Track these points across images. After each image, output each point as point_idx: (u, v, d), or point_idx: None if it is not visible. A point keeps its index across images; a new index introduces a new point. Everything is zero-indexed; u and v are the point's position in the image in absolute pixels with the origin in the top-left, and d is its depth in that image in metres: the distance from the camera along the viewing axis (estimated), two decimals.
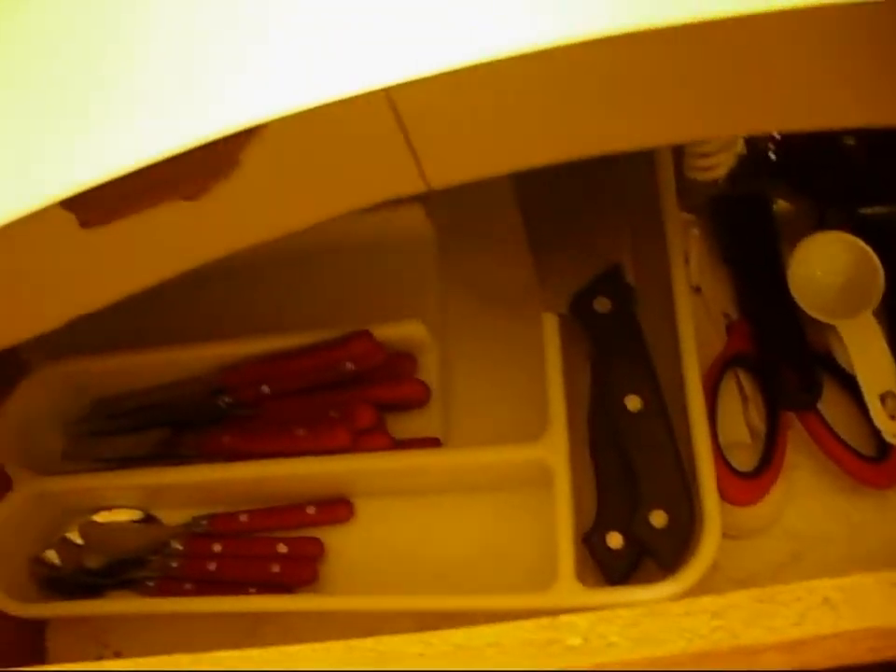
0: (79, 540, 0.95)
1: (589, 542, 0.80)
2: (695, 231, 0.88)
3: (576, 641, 0.60)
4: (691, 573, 0.75)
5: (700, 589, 0.75)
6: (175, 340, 0.92)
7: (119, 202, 0.58)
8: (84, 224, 0.59)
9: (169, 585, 0.91)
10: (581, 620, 0.61)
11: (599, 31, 0.51)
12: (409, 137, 0.58)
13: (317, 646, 0.64)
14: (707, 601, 0.59)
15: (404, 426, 0.89)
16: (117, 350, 0.94)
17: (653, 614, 0.61)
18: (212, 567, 0.89)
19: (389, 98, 0.54)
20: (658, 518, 0.77)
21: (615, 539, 0.80)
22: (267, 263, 0.88)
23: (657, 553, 0.77)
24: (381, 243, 0.89)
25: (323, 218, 0.63)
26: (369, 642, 0.64)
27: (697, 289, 0.88)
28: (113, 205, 0.58)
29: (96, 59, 0.59)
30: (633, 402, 0.79)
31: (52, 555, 0.95)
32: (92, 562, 0.94)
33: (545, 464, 0.80)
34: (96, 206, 0.58)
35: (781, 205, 0.89)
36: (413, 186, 0.62)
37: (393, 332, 0.87)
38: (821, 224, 0.86)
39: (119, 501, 0.94)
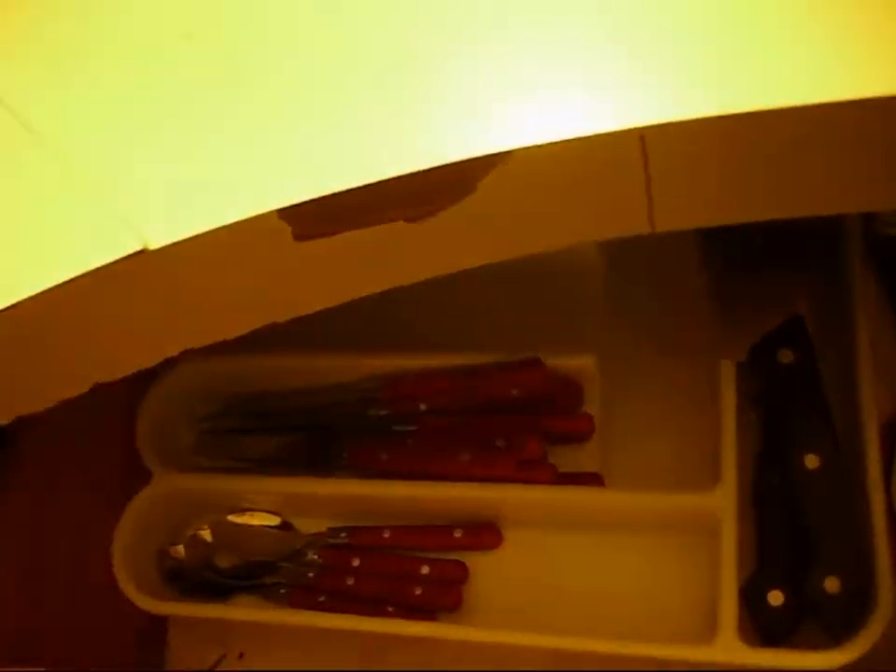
0: (209, 539, 0.93)
1: (747, 597, 0.78)
2: (874, 288, 0.85)
3: None
4: (859, 644, 0.72)
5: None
6: (331, 345, 0.90)
7: (340, 218, 0.57)
8: (298, 237, 0.57)
9: (302, 595, 0.89)
10: None
11: (847, 96, 0.49)
12: (650, 180, 0.56)
13: None
14: None
15: (564, 457, 0.87)
16: (263, 350, 0.92)
17: None
18: (349, 581, 0.88)
19: (642, 139, 0.53)
20: (831, 584, 0.74)
21: (776, 597, 0.77)
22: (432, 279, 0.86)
23: (827, 620, 0.75)
24: (551, 271, 0.87)
25: (543, 250, 0.61)
26: None
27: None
28: (332, 221, 0.57)
29: (342, 71, 0.58)
30: (811, 460, 0.77)
31: (180, 551, 0.93)
32: (223, 562, 0.92)
33: (713, 515, 0.77)
34: (314, 220, 0.56)
35: None
36: (640, 227, 0.60)
37: (562, 363, 0.85)
38: None
39: (257, 504, 0.92)
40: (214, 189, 0.57)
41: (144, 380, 0.93)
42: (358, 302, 0.79)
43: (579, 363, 0.85)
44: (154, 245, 0.55)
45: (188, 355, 0.90)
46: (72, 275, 0.56)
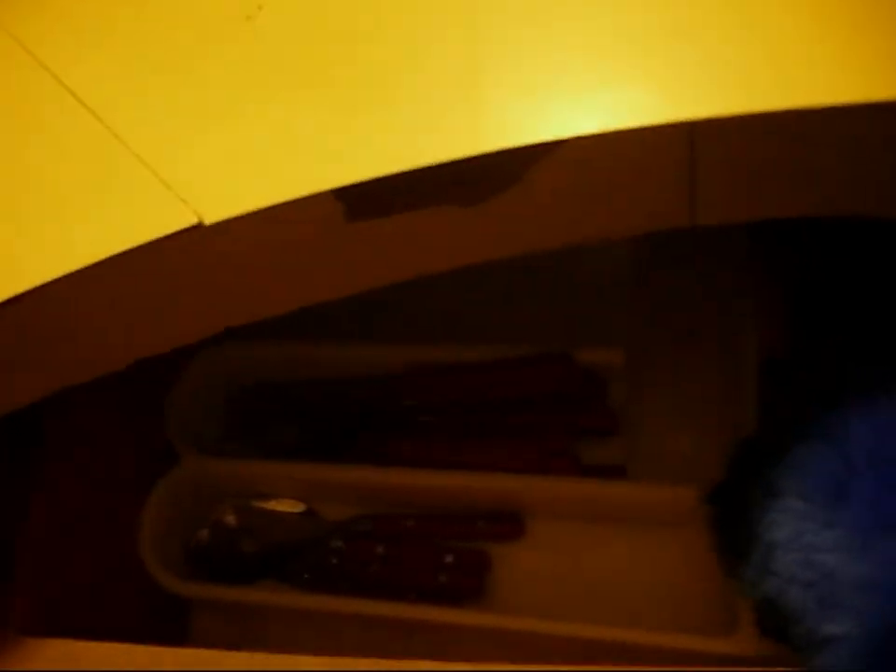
0: (234, 524, 0.94)
1: None
2: None
3: None
4: None
5: None
6: (360, 335, 0.91)
7: (393, 200, 0.58)
8: (350, 217, 0.58)
9: (325, 582, 0.90)
10: None
11: None
12: (695, 175, 0.57)
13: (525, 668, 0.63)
14: None
15: (587, 450, 0.88)
16: (294, 339, 0.93)
17: None
18: (373, 568, 0.89)
19: (691, 133, 0.54)
20: None
21: None
22: (466, 271, 0.87)
23: None
24: (578, 265, 0.88)
25: (584, 242, 0.62)
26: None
27: None
28: (385, 203, 0.58)
29: (401, 56, 0.59)
30: None
31: (204, 535, 0.94)
32: (247, 547, 0.93)
33: None
34: (368, 201, 0.57)
35: None
36: (680, 221, 0.61)
37: (589, 357, 0.86)
38: None
39: (282, 491, 0.93)
40: (270, 167, 0.58)
41: (175, 363, 0.94)
42: (389, 293, 0.81)
43: (606, 357, 0.86)
44: (209, 219, 0.56)
45: (220, 340, 0.92)
46: (127, 247, 0.57)
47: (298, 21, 0.62)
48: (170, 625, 0.93)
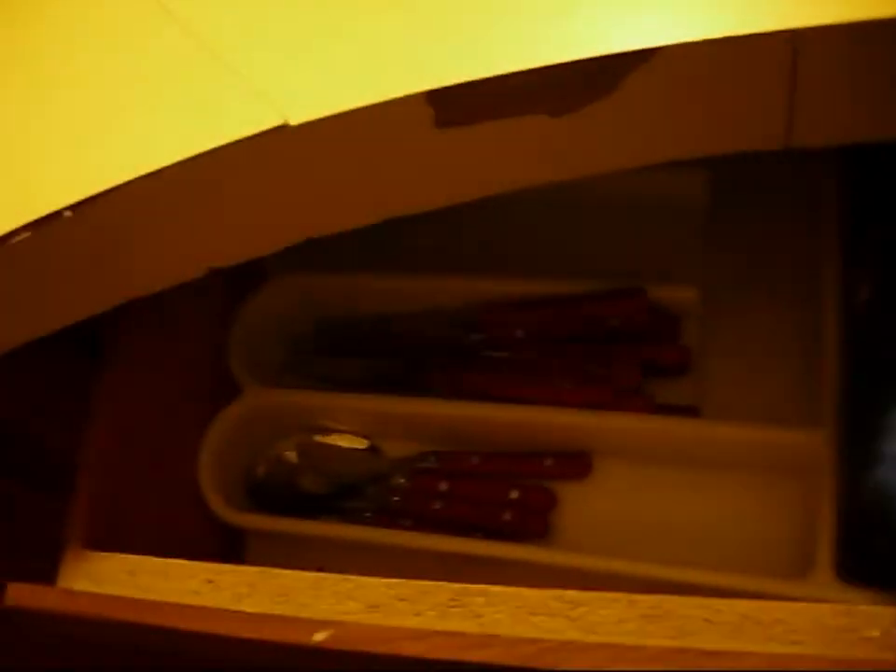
0: (295, 459, 0.93)
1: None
2: None
3: (874, 633, 0.58)
4: None
5: None
6: (429, 269, 0.90)
7: (485, 105, 0.57)
8: (440, 123, 0.57)
9: (386, 520, 0.89)
10: (882, 612, 0.58)
11: None
12: (795, 88, 0.55)
13: (603, 595, 0.62)
14: None
15: (660, 389, 0.86)
16: (361, 270, 0.92)
17: None
18: (436, 505, 0.87)
19: (793, 43, 0.52)
20: None
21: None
22: (539, 206, 0.86)
23: None
24: (655, 202, 0.87)
25: (679, 157, 0.61)
26: (652, 599, 0.62)
27: None
28: (477, 108, 0.57)
29: None
30: None
31: (263, 470, 0.93)
32: (307, 483, 0.92)
33: (813, 452, 0.76)
34: (460, 106, 0.56)
35: None
36: (773, 141, 0.60)
37: (664, 293, 0.84)
38: None
39: (345, 425, 0.92)
40: (359, 70, 0.57)
41: (239, 292, 0.93)
42: (459, 226, 0.79)
43: (681, 294, 0.85)
44: (295, 120, 0.56)
45: (285, 270, 0.91)
46: (211, 147, 0.56)
47: None
48: (224, 555, 0.91)
